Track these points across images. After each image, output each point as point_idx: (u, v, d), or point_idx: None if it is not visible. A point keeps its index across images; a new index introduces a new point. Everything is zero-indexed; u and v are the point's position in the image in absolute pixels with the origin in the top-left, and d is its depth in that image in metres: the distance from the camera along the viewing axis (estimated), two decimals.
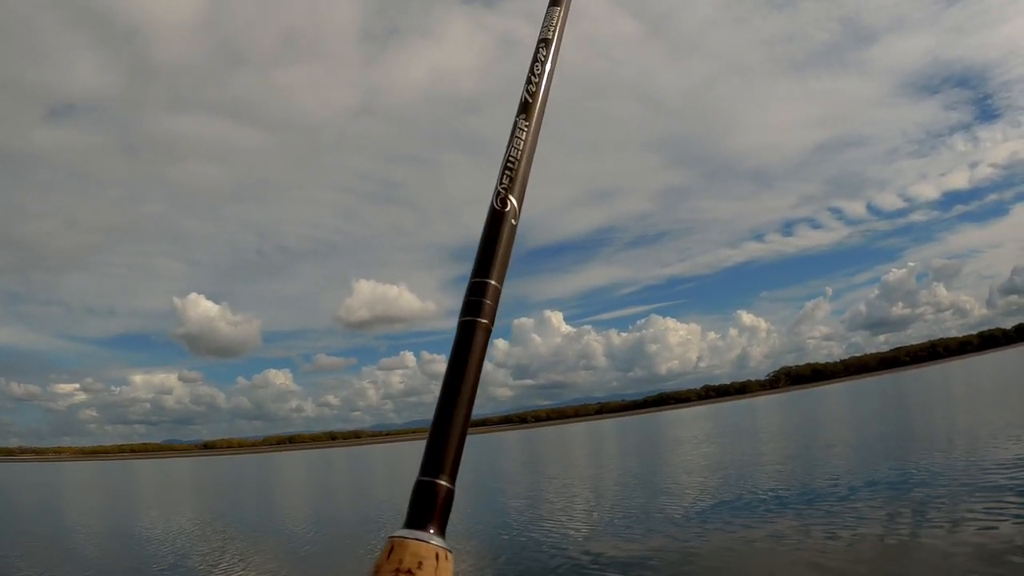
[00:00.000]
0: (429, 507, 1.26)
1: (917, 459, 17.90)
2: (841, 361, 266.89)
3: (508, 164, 1.50)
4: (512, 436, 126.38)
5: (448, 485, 1.25)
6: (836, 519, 12.31)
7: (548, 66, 1.66)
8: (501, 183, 1.49)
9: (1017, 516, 10.39)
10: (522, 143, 1.53)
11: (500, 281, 1.41)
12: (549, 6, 1.82)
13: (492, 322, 1.37)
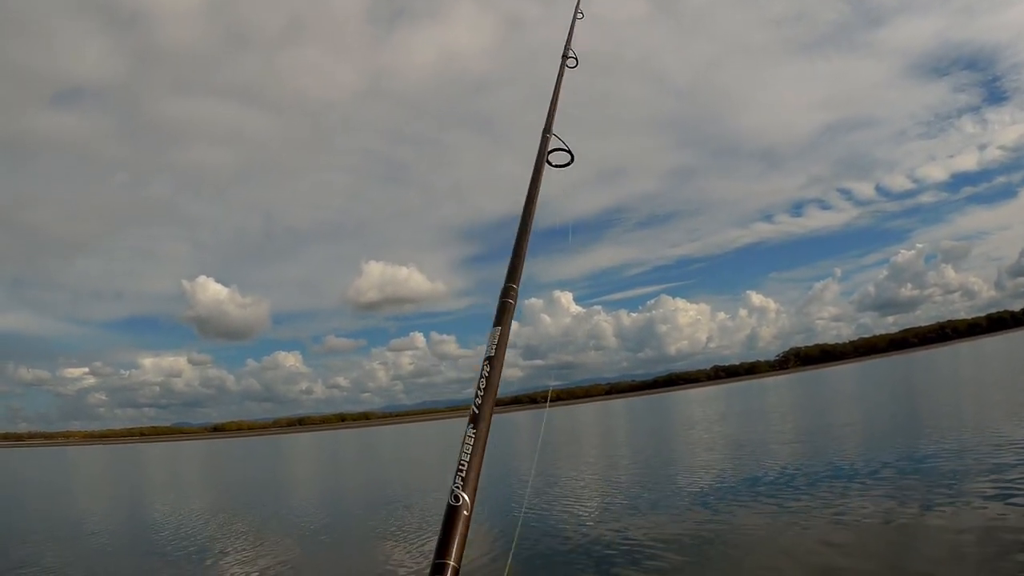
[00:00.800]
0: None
1: (927, 440, 17.92)
2: (850, 342, 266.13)
3: (460, 467, 1.68)
4: (522, 417, 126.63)
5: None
6: (847, 499, 12.36)
7: (493, 381, 1.89)
8: (455, 483, 1.64)
9: None
10: (471, 448, 1.72)
11: (459, 562, 1.55)
12: (492, 326, 2.09)
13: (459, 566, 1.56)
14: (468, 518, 1.62)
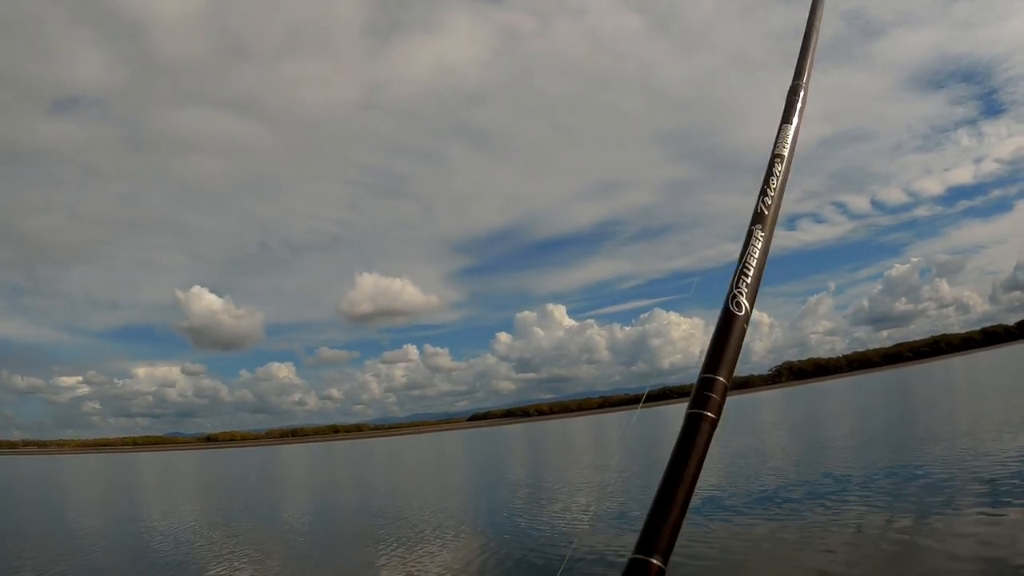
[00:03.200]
0: None
1: (921, 454, 18.06)
2: (844, 356, 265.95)
3: (743, 270, 1.64)
4: (516, 429, 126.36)
5: (660, 565, 1.34)
6: (843, 511, 12.48)
7: (781, 180, 1.85)
8: (736, 287, 1.60)
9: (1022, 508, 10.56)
10: (756, 251, 1.68)
11: (728, 377, 1.54)
12: (781, 123, 2.03)
13: (719, 415, 1.49)
14: (745, 331, 1.61)
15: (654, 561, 1.34)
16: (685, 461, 1.44)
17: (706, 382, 1.50)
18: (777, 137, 1.98)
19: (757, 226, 1.75)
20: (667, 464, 1.46)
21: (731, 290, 1.62)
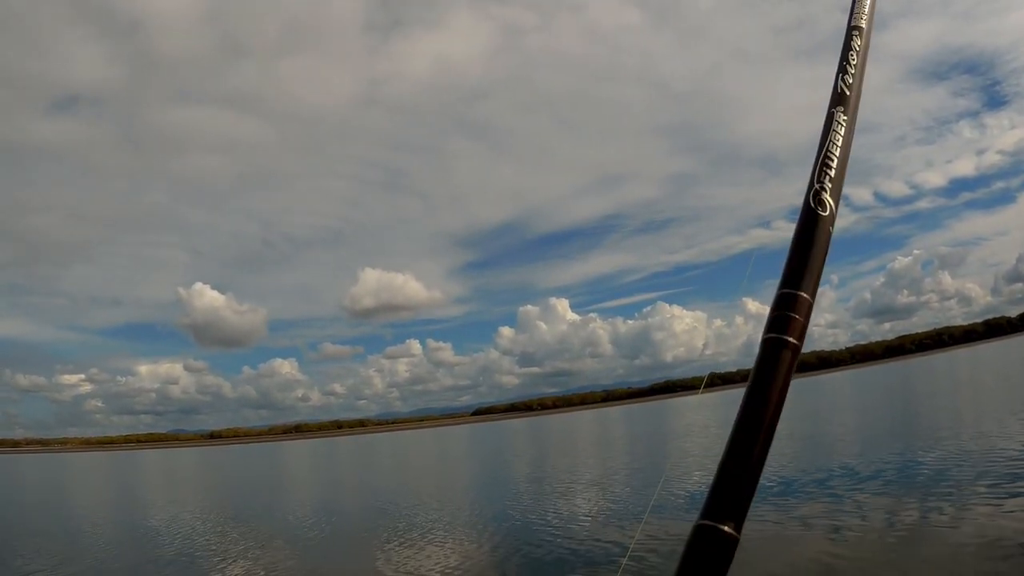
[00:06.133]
0: (710, 556, 1.12)
1: (924, 445, 17.94)
2: (847, 349, 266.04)
3: (825, 161, 1.37)
4: (519, 424, 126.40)
5: (734, 533, 1.12)
6: (846, 503, 12.37)
7: (862, 55, 1.60)
8: (817, 181, 1.35)
9: None
10: (839, 138, 1.41)
11: (813, 294, 1.25)
12: None
13: (802, 342, 1.22)
14: (830, 235, 1.36)
15: (726, 529, 1.13)
16: (764, 399, 1.19)
17: (785, 299, 1.22)
18: (853, 6, 1.73)
19: (838, 108, 1.50)
20: (741, 404, 1.21)
21: (812, 185, 1.39)
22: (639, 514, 14.34)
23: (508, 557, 12.15)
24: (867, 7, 1.72)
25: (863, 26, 1.69)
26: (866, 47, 1.65)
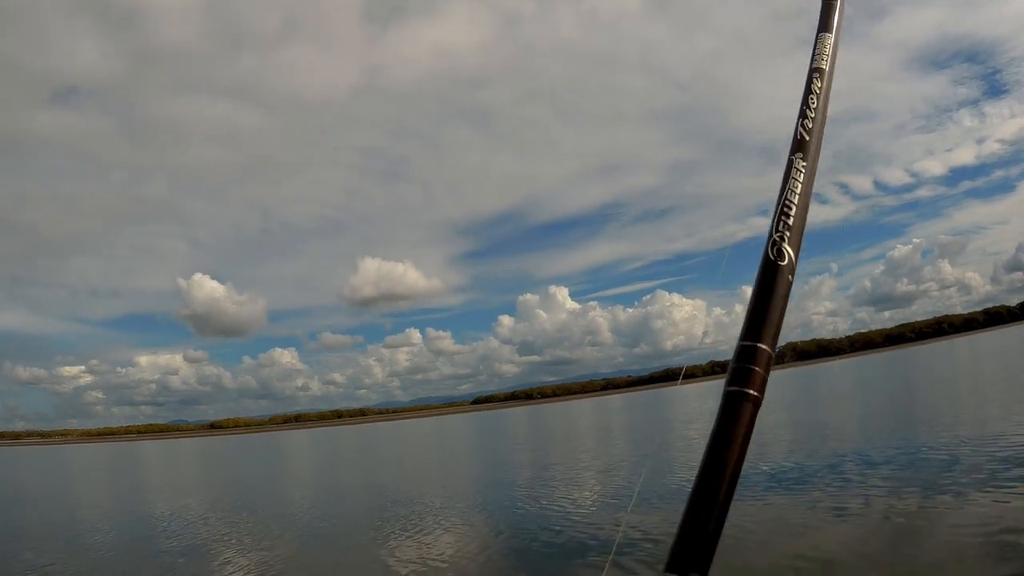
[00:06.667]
0: None
1: (924, 434, 17.87)
2: (847, 337, 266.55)
3: (784, 209, 1.35)
4: (520, 412, 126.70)
5: None
6: (846, 492, 12.28)
7: (823, 98, 1.57)
8: (776, 231, 1.33)
9: None
10: (799, 185, 1.38)
11: (773, 346, 1.25)
12: (819, 32, 1.74)
13: (763, 394, 1.22)
14: (790, 285, 1.34)
15: None
16: (725, 450, 1.17)
17: (746, 352, 1.21)
18: (814, 48, 1.68)
19: (797, 155, 1.45)
20: (704, 455, 1.21)
21: (771, 235, 1.35)
22: (625, 503, 14.25)
23: (496, 544, 12.07)
24: (828, 48, 1.69)
25: (824, 68, 1.64)
26: (827, 90, 1.61)
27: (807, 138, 1.49)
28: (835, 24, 1.73)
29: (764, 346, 1.23)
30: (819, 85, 1.59)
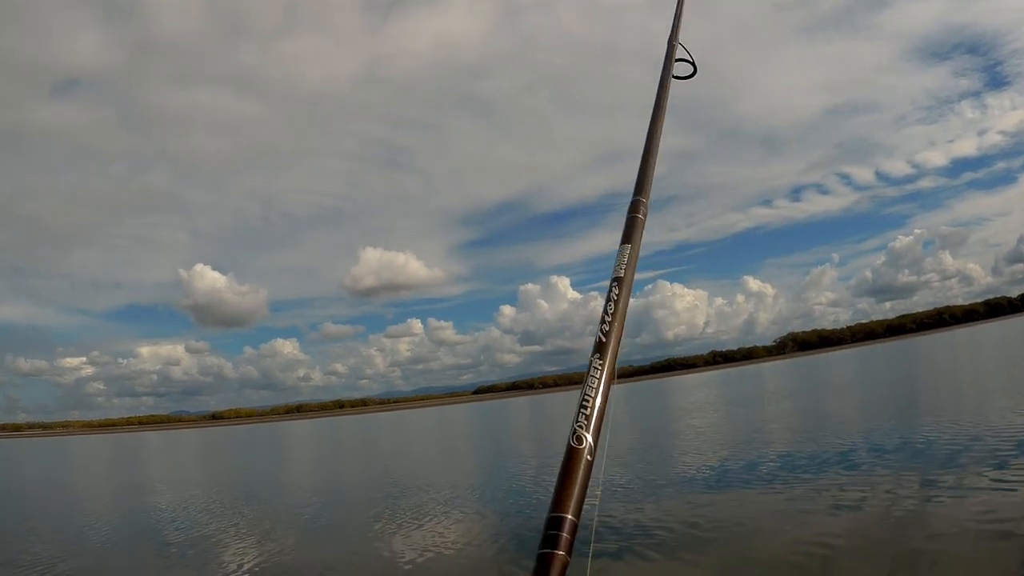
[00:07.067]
0: None
1: (925, 426, 17.90)
2: (848, 327, 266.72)
3: (583, 402, 1.49)
4: (521, 402, 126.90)
5: None
6: (845, 485, 12.31)
7: (621, 305, 1.68)
8: (576, 421, 1.46)
9: None
10: (596, 381, 1.52)
11: (578, 515, 1.39)
12: (620, 244, 1.88)
13: (571, 555, 1.34)
14: (591, 464, 1.42)
15: None
16: None
17: (554, 521, 1.35)
18: (616, 259, 1.82)
19: (595, 356, 1.57)
20: None
21: (572, 425, 1.47)
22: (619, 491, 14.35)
23: (487, 533, 12.16)
24: (627, 259, 1.81)
25: (623, 277, 1.76)
26: (627, 298, 1.72)
27: (604, 340, 1.60)
28: (638, 238, 1.88)
29: (570, 516, 1.36)
30: (617, 293, 1.70)
